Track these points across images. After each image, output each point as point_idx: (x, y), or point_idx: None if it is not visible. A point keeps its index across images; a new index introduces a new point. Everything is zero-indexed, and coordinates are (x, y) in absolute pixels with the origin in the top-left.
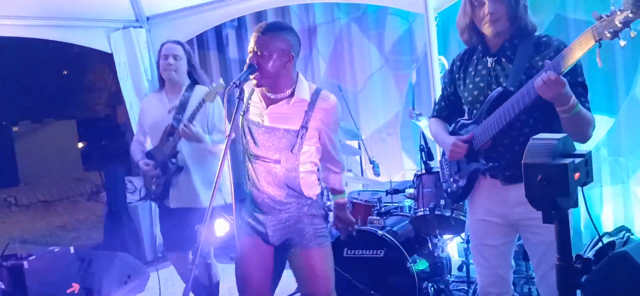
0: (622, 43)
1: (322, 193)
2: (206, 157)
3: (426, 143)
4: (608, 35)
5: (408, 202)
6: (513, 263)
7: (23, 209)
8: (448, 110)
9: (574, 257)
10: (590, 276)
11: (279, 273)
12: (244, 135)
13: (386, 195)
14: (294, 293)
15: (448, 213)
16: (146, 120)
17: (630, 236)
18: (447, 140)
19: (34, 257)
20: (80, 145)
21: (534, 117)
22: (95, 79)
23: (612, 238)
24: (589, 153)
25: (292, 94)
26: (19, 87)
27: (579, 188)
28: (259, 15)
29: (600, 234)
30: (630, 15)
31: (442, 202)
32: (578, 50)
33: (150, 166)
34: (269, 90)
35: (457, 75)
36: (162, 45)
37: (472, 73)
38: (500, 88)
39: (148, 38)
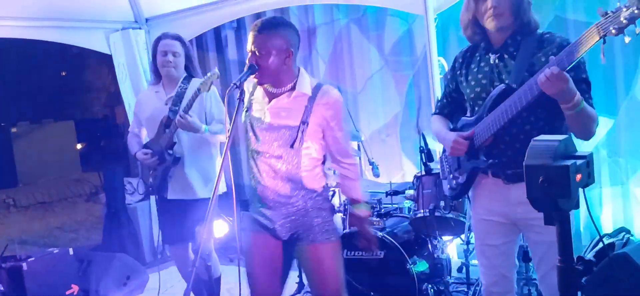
0: (627, 39)
1: (327, 186)
2: (203, 147)
3: (426, 144)
4: (613, 31)
5: (408, 203)
6: (516, 262)
7: (22, 210)
8: (450, 107)
9: (575, 259)
10: (590, 278)
11: (288, 268)
12: (247, 132)
13: (386, 196)
14: (294, 294)
15: (448, 215)
16: (143, 113)
17: (630, 238)
18: (448, 137)
19: (33, 258)
20: (78, 146)
21: (535, 114)
22: (94, 80)
23: (611, 240)
24: (591, 154)
25: (293, 88)
26: (18, 88)
27: (580, 190)
28: (258, 16)
29: (601, 235)
30: (636, 11)
31: (442, 203)
32: (582, 46)
33: (148, 155)
34: (270, 85)
35: (459, 72)
36: (159, 39)
37: (475, 70)
38: (502, 85)
39: (147, 39)
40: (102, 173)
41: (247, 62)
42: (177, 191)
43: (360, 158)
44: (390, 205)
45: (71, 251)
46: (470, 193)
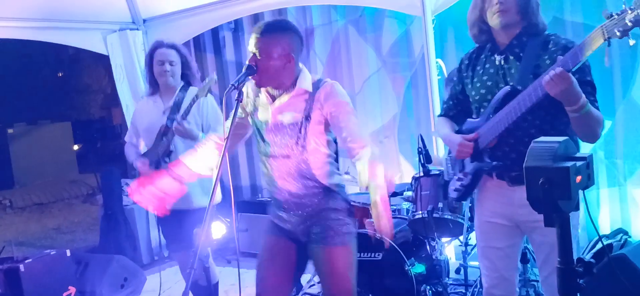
0: (632, 42)
1: (342, 185)
2: None
3: (424, 146)
4: (618, 33)
5: (406, 205)
6: (519, 265)
7: (18, 211)
8: (456, 109)
9: (575, 260)
10: (589, 279)
11: (301, 272)
12: (255, 137)
13: None
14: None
15: (446, 216)
16: (141, 124)
17: (628, 239)
18: (454, 139)
19: (30, 260)
20: (75, 147)
21: (540, 117)
22: (91, 81)
23: (609, 241)
24: (591, 156)
25: (294, 85)
26: (14, 89)
27: (580, 192)
28: (256, 17)
29: (600, 235)
30: None
31: (440, 204)
32: (587, 49)
33: (146, 165)
34: (272, 88)
35: (465, 74)
36: (155, 48)
37: (480, 71)
38: (507, 87)
39: (144, 40)
40: (98, 175)
41: (247, 62)
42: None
43: (338, 168)
44: None
45: (68, 252)
46: (474, 195)
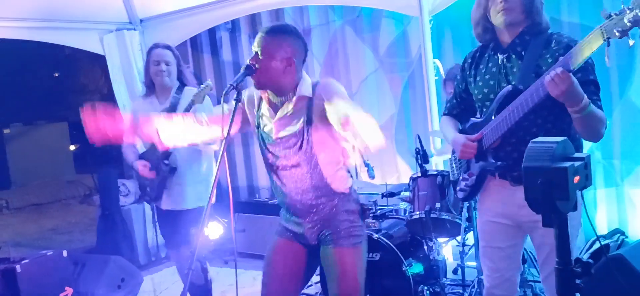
0: (631, 42)
1: (353, 188)
2: (198, 158)
3: (422, 146)
4: (617, 34)
5: (404, 205)
6: (521, 266)
7: (15, 212)
8: (459, 107)
9: (573, 261)
10: (586, 279)
11: (310, 275)
12: (262, 150)
13: (381, 198)
14: None
15: (444, 216)
16: None
17: (625, 239)
18: (458, 139)
19: (26, 261)
20: (72, 147)
21: (542, 116)
22: (88, 81)
23: (606, 241)
24: (588, 156)
25: (294, 93)
26: (11, 89)
27: (578, 192)
28: (253, 18)
29: (598, 236)
30: None
31: (438, 204)
32: (587, 48)
33: (146, 168)
34: (273, 94)
35: (468, 73)
36: (151, 50)
37: (483, 70)
38: (509, 87)
39: (141, 40)
40: (95, 175)
41: (247, 61)
42: (170, 202)
43: (349, 171)
44: (386, 207)
45: (65, 253)
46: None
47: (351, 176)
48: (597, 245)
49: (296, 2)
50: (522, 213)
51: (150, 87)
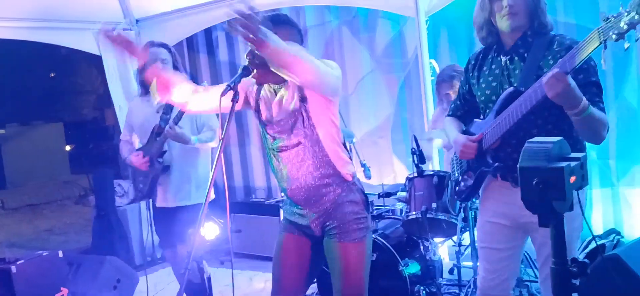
0: (627, 45)
1: (356, 176)
2: (193, 157)
3: (418, 146)
4: (613, 37)
5: (400, 205)
6: (518, 271)
7: (10, 212)
8: (463, 109)
9: (569, 260)
10: (582, 279)
11: (317, 267)
12: (263, 135)
13: (378, 198)
14: None
15: (440, 216)
16: (135, 121)
17: (620, 239)
18: (458, 139)
19: (22, 261)
20: (68, 148)
21: (542, 117)
22: (84, 82)
23: (602, 241)
24: (585, 156)
25: None
26: (6, 90)
27: (574, 192)
28: None
29: (594, 236)
30: (636, 17)
31: (434, 205)
32: (583, 51)
33: (139, 155)
34: (271, 82)
35: (471, 75)
36: (147, 48)
37: (486, 72)
38: (510, 88)
39: (137, 40)
40: (91, 176)
41: (245, 55)
42: (165, 199)
43: (351, 159)
44: (382, 207)
45: (60, 254)
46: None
47: (352, 163)
48: (593, 245)
49: (293, 2)
50: (523, 214)
51: (146, 86)
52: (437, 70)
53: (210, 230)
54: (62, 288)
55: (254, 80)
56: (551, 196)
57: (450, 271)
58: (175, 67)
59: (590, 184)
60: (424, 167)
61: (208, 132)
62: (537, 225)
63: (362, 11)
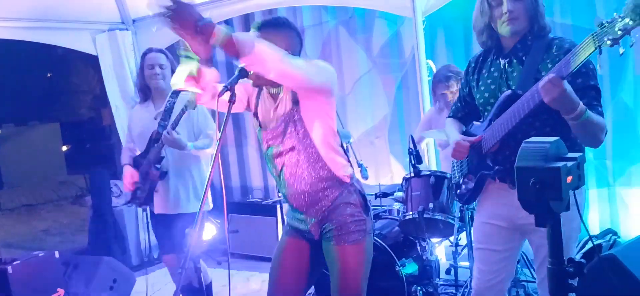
0: (622, 50)
1: (354, 177)
2: (190, 163)
3: (415, 146)
4: (608, 42)
5: (397, 205)
6: (513, 274)
7: (6, 213)
8: (464, 111)
9: (566, 261)
10: (578, 279)
11: (317, 272)
12: (260, 142)
13: (375, 198)
14: None
15: (437, 217)
16: (134, 129)
17: (617, 239)
18: (453, 138)
19: (18, 262)
20: (64, 148)
21: (541, 120)
22: (80, 82)
23: (599, 241)
24: (582, 156)
25: None
26: (3, 90)
27: (571, 192)
28: (247, 18)
29: (590, 236)
30: (630, 22)
31: (431, 205)
32: (578, 56)
33: (129, 175)
34: (269, 86)
35: (471, 77)
36: (145, 54)
37: (486, 75)
38: (508, 91)
39: (134, 40)
40: (87, 176)
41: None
42: (162, 206)
43: (348, 160)
44: (379, 207)
45: (57, 254)
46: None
47: (350, 165)
48: (589, 245)
49: (290, 2)
50: (521, 216)
51: (146, 92)
52: (434, 71)
53: (207, 230)
54: (58, 289)
55: (252, 83)
56: (548, 196)
57: (447, 272)
58: (173, 71)
59: (587, 184)
60: (420, 167)
61: (205, 139)
62: (534, 227)
63: (359, 11)
